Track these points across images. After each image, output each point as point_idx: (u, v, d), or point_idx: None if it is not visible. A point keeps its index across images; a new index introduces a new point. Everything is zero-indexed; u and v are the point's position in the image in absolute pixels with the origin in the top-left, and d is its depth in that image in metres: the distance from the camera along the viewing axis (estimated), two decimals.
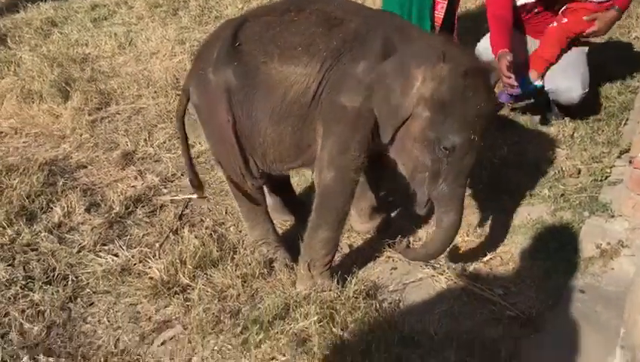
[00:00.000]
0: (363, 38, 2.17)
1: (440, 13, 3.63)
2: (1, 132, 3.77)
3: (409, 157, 2.18)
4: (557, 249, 2.60)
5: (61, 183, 3.15)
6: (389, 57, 2.11)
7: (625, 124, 3.39)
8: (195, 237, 2.70)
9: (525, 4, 3.41)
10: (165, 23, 5.30)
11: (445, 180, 2.12)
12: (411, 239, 2.79)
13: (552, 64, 3.34)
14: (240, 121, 2.30)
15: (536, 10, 3.44)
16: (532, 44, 3.53)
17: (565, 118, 3.48)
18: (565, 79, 3.28)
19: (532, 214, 2.83)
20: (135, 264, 2.60)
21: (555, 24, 3.34)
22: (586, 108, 3.53)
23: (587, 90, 3.31)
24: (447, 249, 2.40)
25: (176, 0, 5.77)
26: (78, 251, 2.71)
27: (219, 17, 5.42)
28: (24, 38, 5.01)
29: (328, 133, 2.23)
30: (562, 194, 2.91)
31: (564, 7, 3.34)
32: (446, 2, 3.63)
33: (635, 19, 4.83)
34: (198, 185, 2.61)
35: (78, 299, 2.47)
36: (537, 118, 3.56)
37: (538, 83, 3.38)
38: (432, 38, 2.22)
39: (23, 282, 2.51)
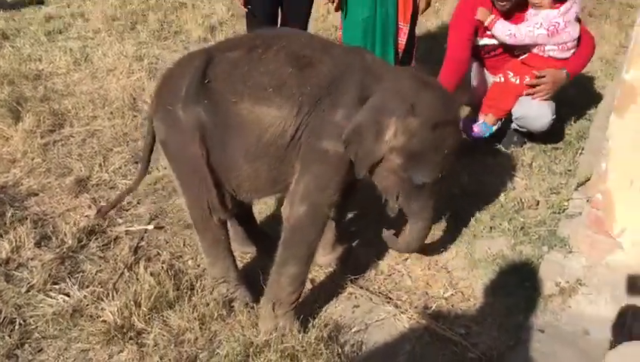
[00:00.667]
0: (338, 83, 2.19)
1: (403, 40, 3.65)
2: None
3: (381, 180, 2.30)
4: (517, 285, 2.62)
5: (10, 214, 3.00)
6: (363, 102, 2.15)
7: (581, 153, 3.45)
8: (151, 274, 2.60)
9: (485, 46, 3.49)
10: (123, 37, 5.18)
11: (416, 202, 2.31)
12: (372, 272, 2.78)
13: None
14: (214, 154, 2.27)
15: (495, 53, 3.53)
16: (489, 77, 3.62)
17: (524, 146, 3.53)
18: (534, 107, 3.37)
19: (492, 248, 2.85)
20: (87, 305, 2.48)
21: (512, 77, 3.44)
22: (544, 134, 3.59)
23: (554, 116, 3.40)
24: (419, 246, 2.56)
25: (135, 13, 5.66)
26: (27, 291, 2.58)
27: (178, 32, 5.35)
28: None
29: (306, 171, 2.25)
30: (522, 227, 2.94)
31: (525, 55, 3.42)
32: (407, 27, 3.65)
33: None
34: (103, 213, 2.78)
35: (26, 345, 2.33)
36: (497, 146, 3.60)
37: (495, 126, 3.50)
38: (402, 78, 2.22)
39: None
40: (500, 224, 2.98)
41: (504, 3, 3.32)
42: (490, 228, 2.97)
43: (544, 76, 3.32)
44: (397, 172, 2.21)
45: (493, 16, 3.36)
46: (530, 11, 3.36)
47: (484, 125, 3.50)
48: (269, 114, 2.19)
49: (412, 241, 2.47)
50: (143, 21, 5.53)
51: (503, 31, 3.34)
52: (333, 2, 3.80)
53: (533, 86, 3.38)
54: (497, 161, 3.49)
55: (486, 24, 3.36)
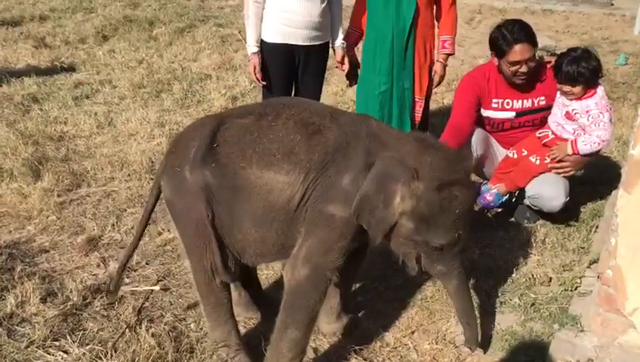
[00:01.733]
0: (344, 151, 2.23)
1: (419, 112, 3.73)
2: None
3: (399, 245, 2.28)
4: None
5: (19, 269, 3.04)
6: (371, 166, 2.17)
7: (595, 231, 3.40)
8: (152, 335, 2.58)
9: (488, 118, 3.55)
10: (147, 104, 5.35)
11: (441, 263, 2.27)
12: (378, 344, 2.71)
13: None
14: (219, 217, 2.29)
15: (503, 128, 3.58)
16: (498, 147, 3.67)
17: (537, 223, 3.49)
18: (548, 187, 3.35)
19: (502, 323, 2.77)
20: None
21: (531, 156, 3.44)
22: (558, 213, 3.56)
23: (568, 198, 3.36)
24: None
25: (161, 82, 5.87)
26: (27, 346, 2.56)
27: (201, 101, 5.50)
28: (3, 113, 5.03)
29: (310, 235, 2.24)
30: (533, 304, 2.87)
31: (542, 134, 3.46)
32: (423, 101, 3.73)
33: None
34: (115, 290, 2.76)
35: None
36: (511, 220, 3.57)
37: (506, 197, 3.50)
38: (405, 143, 2.25)
39: None
40: (511, 299, 2.92)
41: (525, 78, 3.38)
42: (501, 302, 2.90)
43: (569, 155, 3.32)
44: (412, 237, 2.20)
45: (568, 145, 3.31)
46: (561, 98, 3.35)
47: (497, 195, 3.48)
48: (277, 180, 2.22)
49: (464, 302, 2.41)
50: (167, 90, 5.72)
51: (592, 145, 3.26)
52: (348, 78, 3.94)
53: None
54: (509, 236, 3.44)
55: (569, 152, 3.31)
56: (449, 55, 3.73)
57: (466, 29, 8.05)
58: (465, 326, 2.47)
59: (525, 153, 3.49)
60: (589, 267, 2.96)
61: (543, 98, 3.49)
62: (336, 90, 5.69)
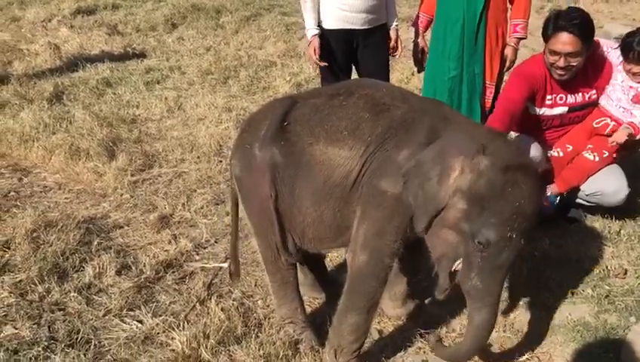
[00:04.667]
0: (408, 125, 2.16)
1: (489, 98, 3.65)
2: (46, 186, 3.89)
3: (439, 242, 2.10)
4: (600, 355, 2.45)
5: (96, 243, 3.19)
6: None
7: None
8: (222, 309, 2.65)
9: (542, 116, 3.30)
10: (215, 90, 5.46)
11: (479, 275, 2.02)
12: (444, 330, 2.69)
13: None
14: (282, 197, 2.30)
15: (553, 123, 3.36)
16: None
17: (613, 214, 3.35)
18: (610, 182, 3.20)
19: (573, 314, 2.69)
20: (158, 333, 2.56)
21: (589, 154, 3.23)
22: (634, 205, 3.42)
23: (630, 189, 3.21)
24: (480, 349, 2.26)
25: (228, 69, 5.97)
26: (104, 314, 2.69)
27: (267, 88, 5.57)
28: (79, 96, 5.24)
29: (365, 216, 2.20)
30: (607, 296, 2.77)
31: (599, 125, 3.26)
32: (494, 86, 3.65)
33: None
34: (236, 273, 2.71)
35: None
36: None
37: (559, 197, 3.33)
38: (478, 128, 2.19)
39: (46, 343, 2.48)
40: (583, 290, 2.82)
41: (563, 73, 3.09)
42: (572, 293, 2.81)
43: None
44: (458, 224, 1.99)
45: (625, 128, 3.10)
46: (625, 82, 3.15)
47: (552, 198, 3.28)
48: (340, 155, 2.20)
49: (475, 342, 2.13)
50: (234, 76, 5.82)
51: None
52: (416, 63, 3.89)
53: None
54: (580, 227, 3.33)
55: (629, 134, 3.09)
56: (521, 39, 3.62)
57: (536, 18, 7.76)
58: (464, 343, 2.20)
59: (570, 148, 3.30)
60: None
61: (594, 91, 3.25)
62: (401, 78, 5.64)
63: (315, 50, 3.58)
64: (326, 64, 3.61)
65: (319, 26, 3.60)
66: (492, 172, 1.94)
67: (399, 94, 2.35)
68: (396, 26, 3.73)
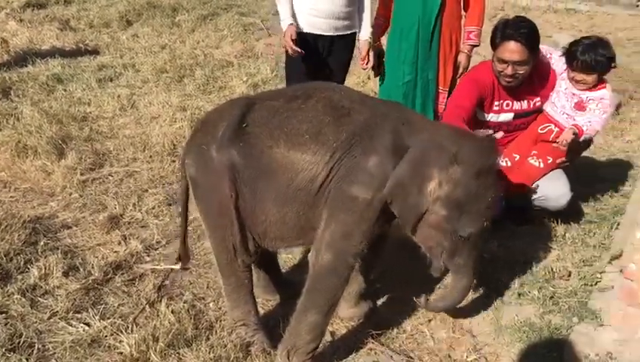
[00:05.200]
0: (372, 131, 2.22)
1: (442, 104, 3.70)
2: None
3: (426, 239, 2.32)
4: (544, 355, 2.53)
5: (42, 243, 3.10)
6: (399, 151, 2.17)
7: (616, 228, 3.37)
8: (172, 312, 2.62)
9: (488, 122, 3.33)
10: (169, 88, 5.38)
11: (461, 256, 2.32)
12: (395, 331, 2.72)
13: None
14: (243, 197, 2.30)
15: (506, 129, 3.39)
16: None
17: (558, 218, 3.46)
18: (554, 187, 3.28)
19: (520, 315, 2.76)
20: (106, 336, 2.50)
21: (534, 160, 3.31)
22: (578, 209, 3.54)
23: (573, 193, 3.32)
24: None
25: (183, 68, 5.89)
26: (50, 317, 2.62)
27: (223, 88, 5.52)
28: (28, 92, 5.08)
29: (333, 219, 2.24)
30: (552, 297, 2.85)
31: (544, 132, 3.34)
32: (447, 92, 3.71)
33: (629, 123, 4.94)
34: (184, 256, 2.67)
35: None
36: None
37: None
38: (441, 130, 2.27)
39: None
40: (529, 292, 2.90)
41: (510, 80, 3.16)
42: (519, 294, 2.89)
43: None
44: (441, 225, 2.21)
45: (574, 128, 3.16)
46: (569, 89, 3.26)
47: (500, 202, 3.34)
48: (304, 159, 2.22)
49: (456, 299, 2.49)
50: (190, 75, 5.74)
51: (591, 131, 3.19)
52: (374, 68, 3.92)
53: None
54: (528, 230, 3.42)
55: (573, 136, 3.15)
56: (474, 46, 3.70)
57: (489, 26, 7.95)
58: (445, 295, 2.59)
59: (518, 158, 3.37)
60: (609, 263, 2.93)
61: (539, 99, 3.34)
62: (358, 81, 5.67)
63: (291, 38, 3.52)
64: (302, 52, 3.55)
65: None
66: (466, 179, 2.15)
67: (357, 97, 2.39)
68: (370, 39, 3.73)
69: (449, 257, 2.32)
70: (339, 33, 3.62)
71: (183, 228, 2.63)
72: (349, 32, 3.68)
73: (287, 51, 3.61)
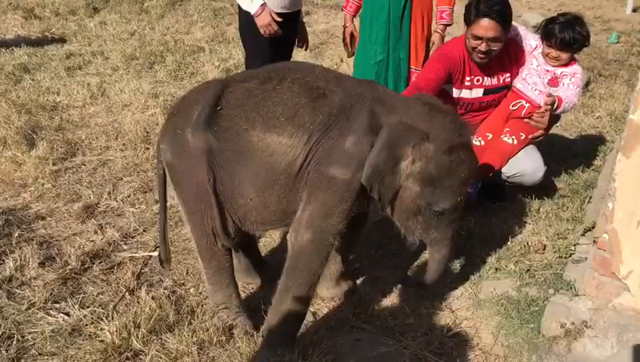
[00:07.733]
0: (349, 112, 2.22)
1: None
2: None
3: (401, 215, 2.32)
4: (522, 326, 2.58)
5: (17, 234, 3.04)
6: (375, 130, 2.18)
7: (588, 201, 3.45)
8: (152, 298, 2.60)
9: (460, 99, 3.35)
10: (140, 75, 5.31)
11: (436, 230, 2.33)
12: (376, 308, 2.74)
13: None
14: (221, 181, 2.28)
15: (472, 108, 3.42)
16: None
17: (532, 193, 3.52)
18: (529, 162, 3.35)
19: (497, 289, 2.81)
20: (86, 325, 2.47)
21: (508, 138, 3.34)
22: (551, 185, 3.61)
23: (547, 167, 3.40)
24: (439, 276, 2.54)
25: (153, 54, 5.81)
26: (28, 308, 2.58)
27: (195, 74, 5.46)
28: None
29: (312, 199, 2.24)
30: (528, 270, 2.91)
31: (515, 108, 3.37)
32: (419, 71, 3.72)
33: (598, 100, 5.03)
34: (167, 259, 2.63)
35: (22, 361, 2.31)
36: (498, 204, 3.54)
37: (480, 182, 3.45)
38: (413, 106, 2.26)
39: None
40: (506, 266, 2.96)
41: (483, 57, 3.17)
42: (496, 269, 2.94)
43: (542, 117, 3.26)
44: (416, 201, 2.23)
45: (555, 98, 3.21)
46: (541, 66, 3.30)
47: (475, 184, 3.39)
48: (280, 142, 2.21)
49: (436, 270, 2.48)
50: (160, 62, 5.67)
51: (568, 104, 3.25)
52: (346, 47, 3.92)
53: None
54: (503, 207, 3.48)
55: (555, 109, 3.23)
56: (447, 25, 3.72)
57: (461, 6, 8.02)
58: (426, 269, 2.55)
59: (491, 136, 3.39)
60: (583, 235, 3.00)
61: (508, 75, 3.37)
62: (330, 64, 5.66)
63: (271, 16, 3.44)
64: (280, 30, 3.51)
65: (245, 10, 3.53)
66: (438, 155, 2.16)
67: (332, 77, 2.36)
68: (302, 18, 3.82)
69: (424, 232, 2.33)
70: (294, 9, 3.62)
71: (163, 223, 2.56)
72: (297, 9, 3.70)
73: (252, 32, 3.53)
